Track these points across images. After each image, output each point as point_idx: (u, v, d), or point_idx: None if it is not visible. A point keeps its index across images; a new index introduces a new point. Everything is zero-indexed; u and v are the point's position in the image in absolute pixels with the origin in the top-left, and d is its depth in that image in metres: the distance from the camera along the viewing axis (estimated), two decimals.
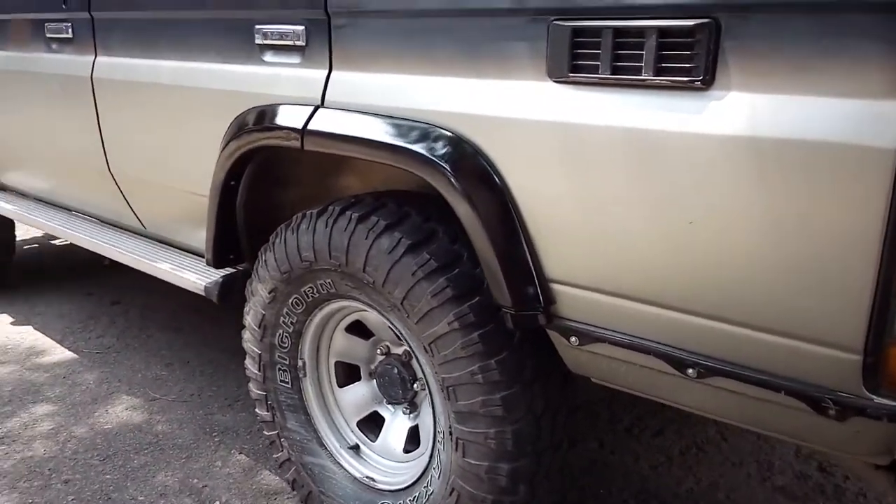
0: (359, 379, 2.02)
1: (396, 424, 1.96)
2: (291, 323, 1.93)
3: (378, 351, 1.93)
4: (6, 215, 3.20)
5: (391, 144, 1.55)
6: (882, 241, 1.06)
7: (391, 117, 1.58)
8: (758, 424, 1.35)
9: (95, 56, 2.40)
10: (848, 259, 1.09)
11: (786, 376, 1.21)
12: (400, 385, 1.87)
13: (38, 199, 3.19)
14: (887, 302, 1.08)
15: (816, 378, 1.19)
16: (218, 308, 2.01)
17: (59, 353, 3.10)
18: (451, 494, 1.69)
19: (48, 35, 2.57)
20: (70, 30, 2.48)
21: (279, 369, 2.00)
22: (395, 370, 1.87)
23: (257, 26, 1.85)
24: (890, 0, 1.02)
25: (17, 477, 2.27)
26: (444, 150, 1.48)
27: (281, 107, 1.80)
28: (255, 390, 2.07)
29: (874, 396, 1.14)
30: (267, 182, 2.04)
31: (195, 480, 2.25)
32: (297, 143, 1.73)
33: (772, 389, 1.23)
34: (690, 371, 1.31)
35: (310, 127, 1.70)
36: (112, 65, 2.34)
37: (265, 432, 2.09)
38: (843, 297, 1.11)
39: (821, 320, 1.15)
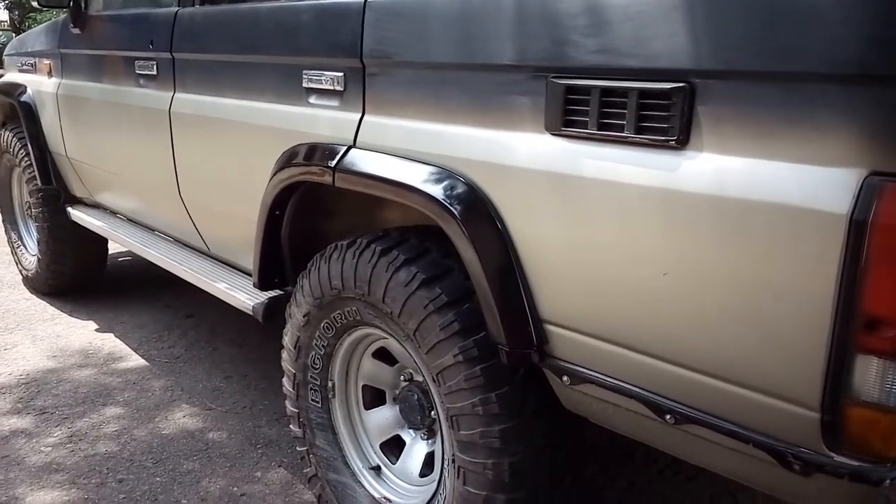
0: (384, 403, 2.12)
1: (416, 449, 2.05)
2: (323, 346, 2.06)
3: (402, 377, 2.03)
4: (95, 231, 3.50)
5: (407, 185, 1.66)
6: (835, 303, 1.09)
7: (411, 160, 1.69)
8: (733, 474, 1.37)
9: (174, 92, 2.63)
10: (805, 318, 1.13)
11: (754, 429, 1.25)
12: (419, 411, 1.96)
13: (125, 218, 3.49)
14: (841, 362, 1.10)
15: (781, 433, 1.21)
16: (280, 328, 2.17)
17: (133, 360, 3.35)
18: None
19: (137, 71, 2.84)
20: (155, 67, 2.72)
21: (311, 389, 2.14)
22: (416, 397, 1.96)
23: (305, 71, 2.01)
24: (847, 73, 1.07)
25: (79, 473, 2.49)
26: (452, 193, 1.58)
27: (319, 145, 1.95)
28: (289, 407, 2.21)
29: (833, 454, 1.16)
30: (311, 213, 2.19)
31: (235, 489, 2.41)
32: (329, 180, 1.87)
33: (741, 441, 1.26)
34: (668, 417, 1.35)
35: (341, 165, 1.84)
36: (186, 100, 2.56)
37: (297, 448, 2.22)
38: (801, 356, 1.14)
39: (783, 376, 1.18)
